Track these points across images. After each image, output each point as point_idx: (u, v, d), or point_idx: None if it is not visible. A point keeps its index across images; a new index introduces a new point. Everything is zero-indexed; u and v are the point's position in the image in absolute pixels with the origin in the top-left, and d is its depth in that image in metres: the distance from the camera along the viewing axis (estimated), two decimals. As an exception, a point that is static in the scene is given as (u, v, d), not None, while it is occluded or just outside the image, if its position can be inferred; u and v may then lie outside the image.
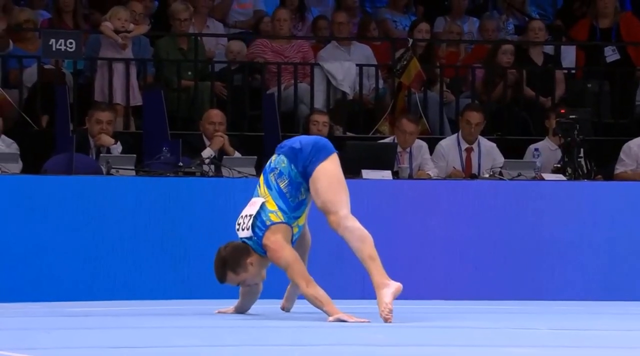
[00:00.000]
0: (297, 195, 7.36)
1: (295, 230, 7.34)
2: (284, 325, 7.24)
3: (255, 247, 7.28)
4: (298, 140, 7.60)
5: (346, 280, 10.09)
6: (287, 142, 7.61)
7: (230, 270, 7.34)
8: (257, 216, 7.26)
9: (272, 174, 7.38)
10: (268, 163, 7.60)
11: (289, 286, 7.72)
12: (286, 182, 7.35)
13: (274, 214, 7.26)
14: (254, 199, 7.37)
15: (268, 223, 7.23)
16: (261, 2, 14.00)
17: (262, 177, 7.50)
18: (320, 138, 7.75)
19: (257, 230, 7.27)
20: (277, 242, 7.20)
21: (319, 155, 7.44)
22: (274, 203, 7.28)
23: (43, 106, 12.12)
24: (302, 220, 7.42)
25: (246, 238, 7.32)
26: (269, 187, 7.33)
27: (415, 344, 6.25)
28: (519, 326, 7.46)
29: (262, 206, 7.27)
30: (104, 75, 12.35)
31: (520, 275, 10.78)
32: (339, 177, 7.48)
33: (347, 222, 7.36)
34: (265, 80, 12.93)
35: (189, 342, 6.12)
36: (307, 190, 7.38)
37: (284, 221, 7.26)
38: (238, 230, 7.39)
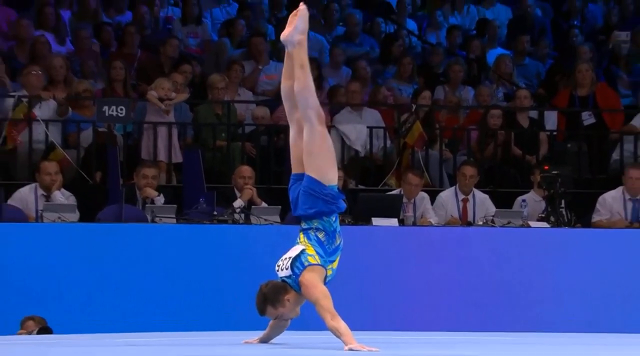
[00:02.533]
0: (332, 242, 7.31)
1: (330, 272, 7.28)
2: (305, 353, 7.19)
3: (293, 284, 7.24)
4: (300, 203, 7.36)
5: (358, 312, 10.05)
6: (300, 208, 7.32)
7: (270, 304, 7.30)
8: (297, 258, 7.23)
9: (310, 230, 7.30)
10: (302, 227, 7.44)
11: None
12: (323, 233, 7.28)
13: (312, 257, 7.21)
14: (295, 246, 7.34)
15: (306, 264, 7.19)
16: (285, 74, 14.02)
17: (301, 233, 7.40)
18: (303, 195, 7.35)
19: (295, 269, 7.23)
20: (312, 279, 7.15)
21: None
22: (313, 249, 7.25)
23: (97, 164, 12.13)
24: (335, 264, 7.34)
25: (285, 277, 7.28)
26: (308, 238, 7.29)
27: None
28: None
29: (302, 251, 7.25)
30: (150, 136, 12.38)
31: (510, 310, 10.72)
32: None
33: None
34: (288, 141, 12.91)
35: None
36: (341, 235, 7.34)
37: (319, 263, 7.22)
38: (278, 270, 7.34)
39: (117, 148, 11.95)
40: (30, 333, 9.08)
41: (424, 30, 15.42)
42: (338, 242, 7.30)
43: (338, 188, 7.38)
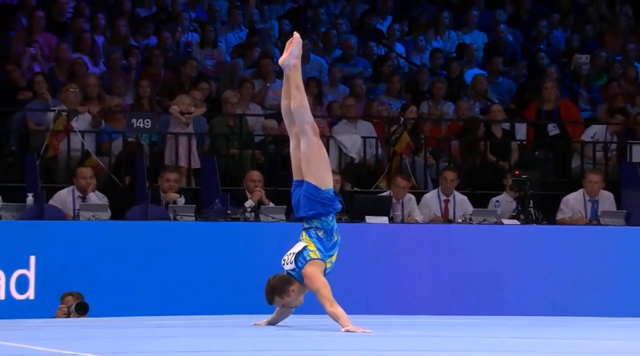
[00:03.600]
0: (331, 239, 7.32)
1: (329, 265, 7.28)
2: (308, 334, 7.21)
3: (297, 277, 7.24)
4: (301, 206, 7.32)
5: (354, 298, 10.07)
6: (301, 210, 7.31)
7: (277, 295, 7.30)
8: (300, 253, 7.24)
9: (311, 229, 7.30)
10: (304, 226, 7.42)
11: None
12: (322, 231, 7.28)
13: (313, 252, 7.22)
14: (298, 243, 7.34)
15: (308, 258, 7.20)
16: (289, 90, 14.02)
17: (303, 232, 7.39)
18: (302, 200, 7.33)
19: (299, 263, 7.24)
20: (313, 272, 7.16)
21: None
22: (314, 245, 7.25)
23: (126, 169, 12.12)
24: (334, 258, 7.34)
25: (290, 270, 7.29)
26: (309, 236, 7.30)
27: (409, 349, 6.22)
28: (485, 335, 7.42)
29: (304, 247, 7.25)
30: (172, 145, 12.39)
31: (484, 296, 10.73)
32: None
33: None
34: (292, 149, 12.92)
35: (234, 347, 6.09)
36: (338, 232, 7.33)
37: (320, 258, 7.22)
38: (284, 264, 7.34)
39: (143, 155, 11.96)
40: (69, 307, 9.02)
41: (410, 53, 15.44)
42: (336, 239, 7.31)
43: (334, 191, 7.38)
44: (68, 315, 8.91)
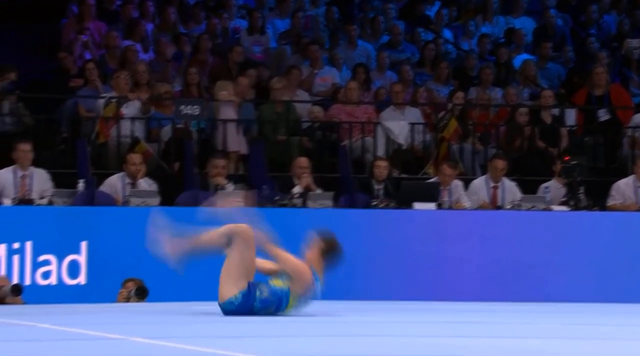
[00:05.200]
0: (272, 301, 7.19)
1: (265, 291, 7.17)
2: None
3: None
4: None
5: (401, 283, 10.01)
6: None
7: None
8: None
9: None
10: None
11: None
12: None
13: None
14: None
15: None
16: (337, 76, 14.03)
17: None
18: None
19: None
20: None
21: None
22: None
23: (175, 155, 12.17)
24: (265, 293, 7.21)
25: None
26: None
27: (455, 335, 6.16)
28: (534, 322, 7.34)
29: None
30: (220, 132, 12.43)
31: (533, 283, 10.64)
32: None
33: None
34: (340, 135, 12.94)
35: (284, 332, 6.09)
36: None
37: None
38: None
39: (192, 142, 12.00)
40: (129, 291, 9.07)
41: (458, 38, 15.32)
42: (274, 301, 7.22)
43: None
44: (128, 300, 8.96)
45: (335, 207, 10.94)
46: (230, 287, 7.14)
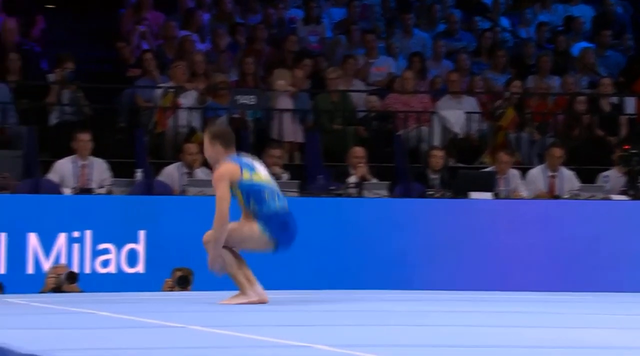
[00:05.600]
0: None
1: (247, 176, 6.90)
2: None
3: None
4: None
5: (458, 273, 9.99)
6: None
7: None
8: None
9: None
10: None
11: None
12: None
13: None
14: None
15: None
16: (393, 66, 14.01)
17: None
18: None
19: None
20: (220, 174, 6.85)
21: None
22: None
23: (231, 145, 12.23)
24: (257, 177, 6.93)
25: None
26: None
27: (512, 325, 6.14)
28: (595, 312, 7.28)
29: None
30: (276, 121, 12.48)
31: (592, 272, 10.54)
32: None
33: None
34: (396, 125, 12.92)
35: (338, 321, 6.09)
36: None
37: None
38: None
39: (248, 131, 12.06)
40: (173, 280, 9.15)
41: (516, 26, 15.19)
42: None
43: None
44: (172, 289, 9.08)
45: (391, 196, 10.94)
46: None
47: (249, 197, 6.98)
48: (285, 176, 11.29)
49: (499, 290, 9.93)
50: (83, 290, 8.96)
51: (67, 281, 8.85)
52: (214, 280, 9.61)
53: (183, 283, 9.07)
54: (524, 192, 11.57)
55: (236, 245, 7.02)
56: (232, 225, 6.97)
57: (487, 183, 11.15)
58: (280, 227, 7.00)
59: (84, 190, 10.31)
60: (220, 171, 7.00)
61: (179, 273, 9.34)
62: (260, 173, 7.07)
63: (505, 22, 15.26)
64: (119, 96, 12.66)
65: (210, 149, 7.05)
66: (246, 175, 6.99)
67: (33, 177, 10.48)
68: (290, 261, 10.14)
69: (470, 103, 13.14)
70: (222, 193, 6.92)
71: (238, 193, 6.97)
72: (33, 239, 9.70)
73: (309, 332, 5.39)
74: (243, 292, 6.97)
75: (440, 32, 14.80)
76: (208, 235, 6.99)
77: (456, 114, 12.95)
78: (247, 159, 7.09)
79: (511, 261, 10.51)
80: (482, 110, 13.10)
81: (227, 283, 9.72)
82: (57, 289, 8.84)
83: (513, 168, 11.79)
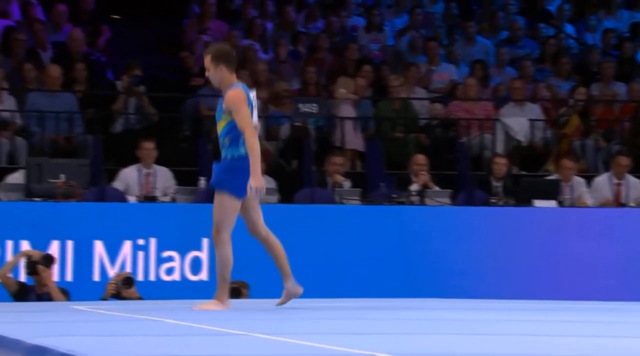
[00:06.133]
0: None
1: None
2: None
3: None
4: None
5: (521, 282, 9.92)
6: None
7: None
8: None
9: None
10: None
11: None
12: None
13: None
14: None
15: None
16: (455, 73, 13.99)
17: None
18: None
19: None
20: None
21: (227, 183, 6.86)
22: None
23: (293, 153, 12.33)
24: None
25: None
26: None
27: (576, 335, 6.10)
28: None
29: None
30: (338, 129, 12.52)
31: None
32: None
33: (223, 245, 6.97)
34: (458, 132, 12.89)
35: (394, 330, 6.11)
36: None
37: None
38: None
39: (310, 139, 12.13)
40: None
41: (580, 33, 15.06)
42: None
43: None
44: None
45: (453, 204, 10.91)
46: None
47: (230, 132, 6.93)
48: (346, 184, 11.32)
49: (563, 298, 9.85)
50: (142, 296, 9.05)
51: (123, 287, 8.87)
52: (271, 288, 9.68)
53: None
54: (589, 200, 11.46)
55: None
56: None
57: (551, 191, 11.08)
58: (245, 173, 6.87)
59: (149, 198, 10.45)
60: (237, 93, 6.90)
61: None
62: (253, 116, 7.03)
63: (569, 28, 15.14)
64: (183, 105, 12.81)
65: (214, 71, 6.97)
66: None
67: (99, 185, 10.65)
68: (352, 268, 10.17)
69: (533, 110, 13.06)
70: (246, 112, 6.84)
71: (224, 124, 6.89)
72: (99, 247, 9.85)
73: (371, 340, 5.41)
74: (220, 299, 6.95)
75: (503, 39, 14.74)
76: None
77: (519, 122, 12.88)
78: (251, 93, 7.03)
79: (576, 269, 10.41)
80: (546, 118, 13.01)
81: (282, 289, 9.77)
82: (117, 296, 8.92)
83: (577, 175, 11.69)
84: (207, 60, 7.02)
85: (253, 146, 6.91)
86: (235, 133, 6.99)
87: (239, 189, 6.99)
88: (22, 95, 11.92)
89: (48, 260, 8.76)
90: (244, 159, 6.97)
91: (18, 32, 12.58)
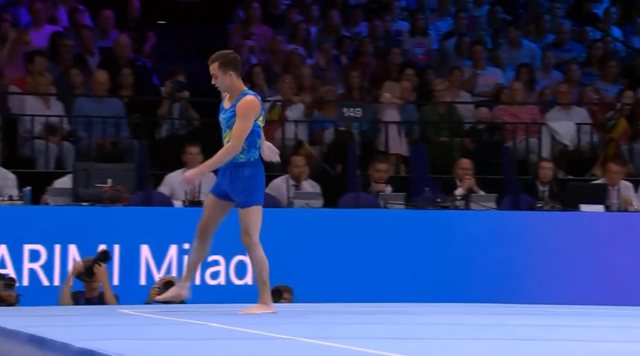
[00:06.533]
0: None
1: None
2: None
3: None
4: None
5: (568, 287, 9.83)
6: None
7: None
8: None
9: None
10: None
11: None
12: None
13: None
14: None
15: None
16: (501, 77, 13.92)
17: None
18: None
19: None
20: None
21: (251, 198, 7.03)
22: None
23: (337, 157, 12.33)
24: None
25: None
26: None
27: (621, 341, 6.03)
28: None
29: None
30: (382, 133, 12.51)
31: None
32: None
33: (256, 247, 7.04)
34: (504, 136, 12.82)
35: (438, 335, 6.08)
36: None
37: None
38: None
39: (354, 144, 12.13)
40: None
41: (628, 36, 14.92)
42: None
43: None
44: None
45: (499, 209, 10.85)
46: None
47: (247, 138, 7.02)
48: (388, 189, 11.29)
49: (610, 304, 9.75)
50: (185, 301, 8.98)
51: (164, 291, 8.74)
52: (315, 292, 9.67)
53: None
54: (637, 204, 11.33)
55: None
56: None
57: (598, 195, 10.98)
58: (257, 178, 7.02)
59: (194, 203, 10.51)
60: (252, 102, 7.02)
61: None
62: (263, 118, 7.14)
63: (616, 32, 15.00)
64: (227, 110, 12.85)
65: (222, 78, 7.07)
66: (259, 118, 7.09)
67: (145, 190, 10.73)
68: (396, 273, 10.15)
69: (580, 114, 12.96)
70: (249, 126, 6.97)
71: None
72: (145, 251, 9.93)
73: (416, 345, 5.40)
74: (265, 302, 7.02)
75: (549, 42, 14.65)
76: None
77: (566, 126, 12.79)
78: (260, 101, 7.12)
79: (623, 274, 10.30)
80: (592, 122, 12.90)
81: (327, 294, 9.78)
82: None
83: (625, 180, 11.57)
84: (214, 68, 7.11)
85: (228, 154, 7.00)
86: (249, 139, 7.02)
87: (258, 197, 7.08)
88: (70, 100, 12.04)
89: (104, 256, 8.75)
90: (253, 164, 7.07)
91: (65, 38, 12.72)
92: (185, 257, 9.98)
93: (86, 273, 8.68)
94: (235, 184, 7.14)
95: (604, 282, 10.41)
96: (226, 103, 7.23)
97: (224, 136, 7.17)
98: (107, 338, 5.48)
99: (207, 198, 7.30)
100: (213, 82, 7.21)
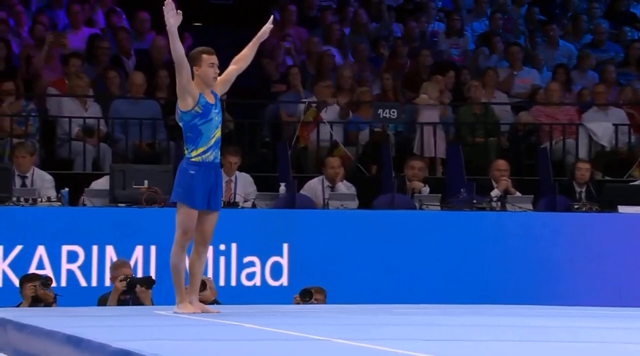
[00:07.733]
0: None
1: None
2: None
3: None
4: None
5: (605, 289, 9.78)
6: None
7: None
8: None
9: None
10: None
11: None
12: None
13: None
14: None
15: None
16: (537, 77, 13.84)
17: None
18: None
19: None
20: None
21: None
22: None
23: (373, 158, 12.33)
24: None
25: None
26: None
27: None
28: None
29: None
30: (418, 134, 12.48)
31: None
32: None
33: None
34: (540, 137, 12.74)
35: (476, 337, 6.05)
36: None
37: None
38: None
39: (389, 145, 12.11)
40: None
41: (667, 35, 14.79)
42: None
43: None
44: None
45: (535, 210, 10.79)
46: None
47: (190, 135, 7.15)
48: (425, 190, 11.27)
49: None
50: (220, 301, 9.03)
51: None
52: (348, 294, 9.64)
53: (149, 284, 8.81)
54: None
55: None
56: None
57: (637, 196, 10.86)
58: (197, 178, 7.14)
59: (230, 204, 10.54)
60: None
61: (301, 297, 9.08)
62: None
63: (654, 32, 14.88)
64: (263, 111, 12.90)
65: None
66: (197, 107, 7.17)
67: (181, 191, 10.74)
68: (431, 274, 10.11)
69: (618, 115, 12.85)
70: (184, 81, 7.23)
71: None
72: (181, 251, 9.95)
73: (454, 347, 5.37)
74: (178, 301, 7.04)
75: (586, 43, 14.54)
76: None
77: (603, 126, 12.69)
78: None
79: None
80: (630, 122, 12.78)
81: (362, 295, 9.76)
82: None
83: (664, 181, 11.46)
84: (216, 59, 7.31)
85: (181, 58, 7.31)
86: (191, 136, 7.30)
87: (184, 196, 7.25)
88: (107, 102, 12.13)
89: (149, 283, 8.87)
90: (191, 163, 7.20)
91: (102, 40, 12.82)
92: (222, 258, 10.02)
93: (132, 284, 8.77)
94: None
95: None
96: (210, 99, 7.26)
97: (214, 133, 7.21)
98: (144, 339, 5.51)
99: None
100: (217, 72, 7.39)
